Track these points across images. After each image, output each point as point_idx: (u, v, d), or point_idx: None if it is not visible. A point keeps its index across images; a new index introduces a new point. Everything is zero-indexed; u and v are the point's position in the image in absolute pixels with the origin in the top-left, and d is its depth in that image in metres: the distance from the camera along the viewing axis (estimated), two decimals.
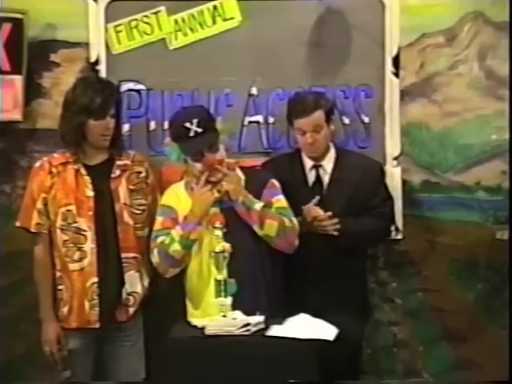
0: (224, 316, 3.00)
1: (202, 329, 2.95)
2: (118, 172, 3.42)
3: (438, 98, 3.90)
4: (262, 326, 2.96)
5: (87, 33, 3.77)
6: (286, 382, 2.82)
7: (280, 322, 3.00)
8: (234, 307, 3.06)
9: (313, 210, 3.43)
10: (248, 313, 3.02)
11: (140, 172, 3.49)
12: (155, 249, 3.30)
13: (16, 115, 3.71)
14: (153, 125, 3.83)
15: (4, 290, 3.72)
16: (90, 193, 3.37)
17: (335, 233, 3.43)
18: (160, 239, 3.29)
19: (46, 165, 3.41)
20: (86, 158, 3.41)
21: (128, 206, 3.41)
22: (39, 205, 3.38)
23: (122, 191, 3.41)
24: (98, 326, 3.36)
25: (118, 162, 3.43)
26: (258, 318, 2.98)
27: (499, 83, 3.88)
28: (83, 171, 3.38)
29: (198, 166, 3.27)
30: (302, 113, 3.51)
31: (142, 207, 3.45)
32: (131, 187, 3.44)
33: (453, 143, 3.91)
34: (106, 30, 3.78)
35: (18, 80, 3.69)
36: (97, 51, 3.77)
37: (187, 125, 3.23)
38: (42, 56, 3.77)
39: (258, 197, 3.32)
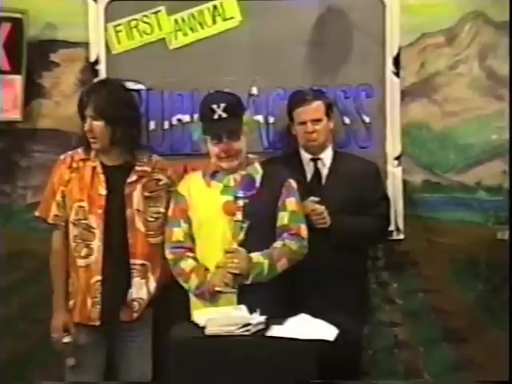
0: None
1: (203, 328, 2.95)
2: (134, 177, 3.40)
3: (439, 97, 3.90)
4: (262, 326, 2.95)
5: (87, 32, 3.77)
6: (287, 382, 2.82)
7: (280, 322, 2.99)
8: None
9: (310, 204, 3.46)
10: (249, 311, 3.04)
11: (160, 179, 3.47)
12: (170, 260, 3.34)
13: (15, 115, 3.71)
14: (152, 125, 3.82)
15: (4, 289, 3.72)
16: (103, 191, 3.36)
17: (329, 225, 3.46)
18: (176, 253, 3.32)
19: (68, 159, 3.42)
20: (106, 157, 3.41)
21: (141, 213, 3.39)
22: (58, 197, 3.40)
23: (136, 197, 3.39)
24: (98, 323, 3.36)
25: (137, 168, 3.42)
26: (259, 318, 2.97)
27: (500, 83, 3.88)
28: (99, 169, 3.38)
29: (215, 150, 3.29)
30: (302, 102, 3.57)
31: (157, 215, 3.42)
32: (147, 194, 3.41)
33: (453, 143, 3.91)
34: (106, 29, 3.78)
35: (18, 80, 3.69)
36: (97, 51, 3.77)
37: (214, 107, 3.25)
38: (41, 56, 3.77)
39: (273, 194, 3.32)
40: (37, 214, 3.47)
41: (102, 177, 3.37)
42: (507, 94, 3.84)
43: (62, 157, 3.45)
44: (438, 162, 3.92)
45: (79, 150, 3.43)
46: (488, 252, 3.88)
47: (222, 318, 2.98)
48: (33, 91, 3.75)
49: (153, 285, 3.43)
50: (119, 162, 3.42)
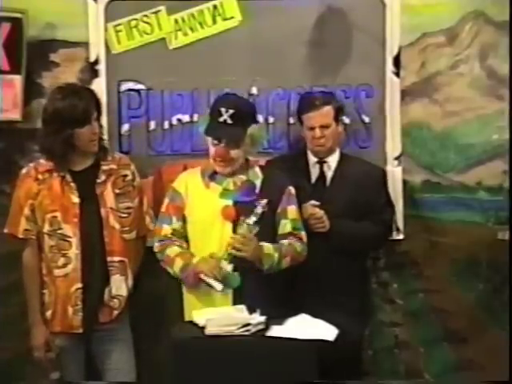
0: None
1: (203, 328, 2.95)
2: (103, 177, 3.39)
3: (439, 97, 3.90)
4: (262, 326, 2.95)
5: (87, 32, 3.77)
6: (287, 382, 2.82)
7: (280, 322, 2.99)
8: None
9: (310, 208, 3.45)
10: (249, 311, 3.04)
11: (126, 175, 3.46)
12: (158, 253, 3.36)
13: (15, 115, 3.71)
14: (152, 125, 3.83)
15: (4, 289, 3.72)
16: (76, 199, 3.35)
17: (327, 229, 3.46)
18: (163, 244, 3.34)
19: (32, 172, 3.39)
20: (72, 164, 3.38)
21: (114, 211, 3.39)
22: (27, 211, 3.37)
23: (108, 196, 3.39)
24: (81, 330, 3.35)
25: (104, 167, 3.41)
26: (259, 318, 2.97)
27: (500, 83, 3.87)
28: (69, 178, 3.36)
29: (212, 150, 3.30)
30: (312, 106, 3.55)
31: (128, 210, 3.43)
32: (117, 191, 3.41)
33: (454, 143, 3.91)
34: (106, 29, 3.78)
35: (18, 80, 3.69)
36: (96, 51, 3.77)
37: (222, 110, 3.24)
38: (41, 56, 3.77)
39: (272, 199, 3.30)
40: (5, 230, 3.44)
41: (72, 185, 3.35)
42: (508, 93, 3.84)
43: (24, 170, 3.42)
44: (438, 162, 3.92)
45: (41, 161, 3.40)
46: (488, 252, 3.88)
47: (221, 318, 2.97)
48: (33, 91, 3.75)
49: (131, 282, 3.43)
50: (86, 166, 3.40)
